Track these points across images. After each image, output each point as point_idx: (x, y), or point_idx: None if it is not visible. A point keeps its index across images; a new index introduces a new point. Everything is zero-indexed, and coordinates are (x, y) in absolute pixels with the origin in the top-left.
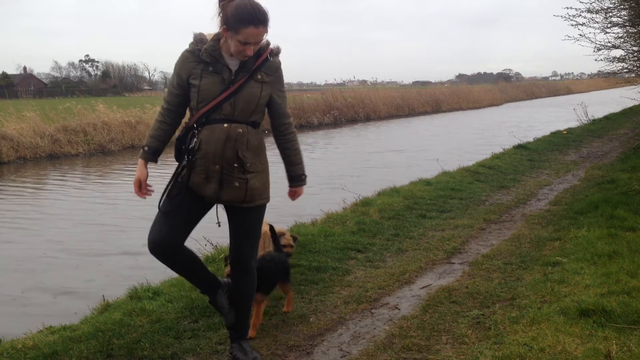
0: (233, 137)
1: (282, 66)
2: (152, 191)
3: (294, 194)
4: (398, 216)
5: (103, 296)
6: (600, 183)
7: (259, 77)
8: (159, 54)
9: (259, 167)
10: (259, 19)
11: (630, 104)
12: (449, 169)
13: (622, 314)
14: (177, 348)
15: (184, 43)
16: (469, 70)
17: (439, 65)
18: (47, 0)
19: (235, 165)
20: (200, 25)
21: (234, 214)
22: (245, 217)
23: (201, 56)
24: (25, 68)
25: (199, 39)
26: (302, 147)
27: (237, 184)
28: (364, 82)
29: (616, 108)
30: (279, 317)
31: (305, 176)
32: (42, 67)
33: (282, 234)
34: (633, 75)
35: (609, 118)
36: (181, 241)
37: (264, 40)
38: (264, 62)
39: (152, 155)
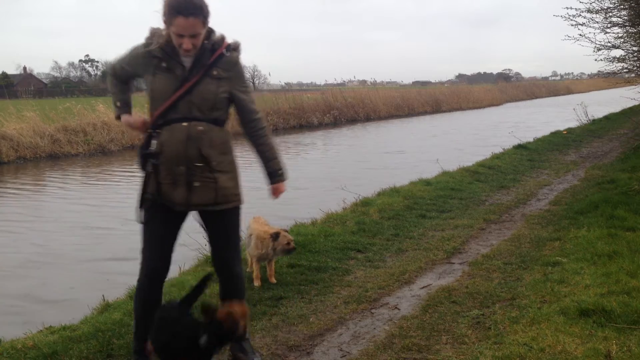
0: (194, 135)
1: (284, 66)
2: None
3: (275, 191)
4: (398, 216)
5: (103, 296)
6: (600, 183)
7: (215, 73)
8: None
9: (227, 167)
10: (188, 9)
11: (630, 104)
12: (449, 169)
13: (622, 314)
14: None
15: None
16: (469, 70)
17: (439, 65)
18: (47, 0)
19: (200, 164)
20: None
21: (210, 220)
22: (222, 221)
23: (154, 51)
24: (25, 68)
25: (153, 33)
26: (301, 147)
27: (204, 184)
28: (364, 82)
29: (616, 108)
30: (279, 317)
31: (283, 171)
32: (42, 67)
33: (278, 234)
34: (633, 75)
35: (609, 118)
36: (169, 265)
37: (218, 35)
38: (220, 57)
39: (127, 107)
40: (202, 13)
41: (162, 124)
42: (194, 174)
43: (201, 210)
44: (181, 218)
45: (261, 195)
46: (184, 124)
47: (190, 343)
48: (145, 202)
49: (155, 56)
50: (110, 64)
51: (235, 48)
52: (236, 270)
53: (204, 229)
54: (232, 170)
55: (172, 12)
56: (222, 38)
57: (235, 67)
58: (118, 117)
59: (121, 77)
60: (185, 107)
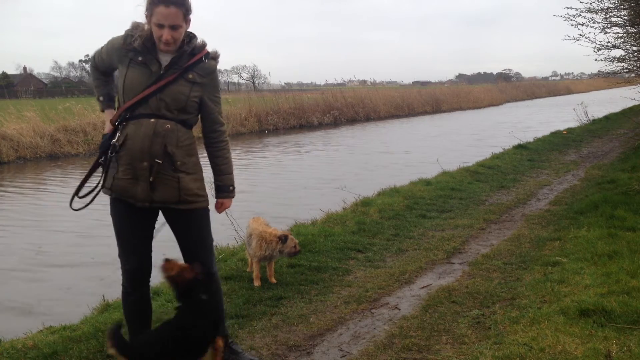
0: (161, 132)
1: (286, 66)
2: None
3: (220, 206)
4: (398, 216)
5: (103, 296)
6: (600, 183)
7: (190, 76)
8: None
9: (192, 168)
10: None
11: (630, 103)
12: (449, 169)
13: (622, 314)
14: None
15: None
16: (469, 70)
17: (438, 65)
18: (47, 0)
19: (161, 161)
20: (199, 25)
21: (176, 219)
22: (189, 221)
23: (132, 43)
24: (25, 68)
25: (135, 26)
26: (301, 147)
27: (166, 181)
28: (364, 82)
29: (616, 108)
30: (279, 317)
31: (234, 188)
32: (42, 67)
33: (286, 237)
34: (633, 75)
35: (609, 118)
36: (150, 266)
37: (199, 41)
38: (198, 62)
39: (111, 101)
40: (183, 4)
41: (129, 117)
42: (157, 171)
43: (166, 208)
44: (149, 216)
45: (262, 195)
46: (152, 120)
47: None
48: (99, 193)
49: (132, 49)
50: (91, 55)
51: (214, 57)
52: (212, 272)
53: (172, 230)
54: (196, 172)
55: (153, 1)
56: (203, 44)
57: (210, 75)
58: (102, 111)
59: (101, 69)
60: (155, 104)
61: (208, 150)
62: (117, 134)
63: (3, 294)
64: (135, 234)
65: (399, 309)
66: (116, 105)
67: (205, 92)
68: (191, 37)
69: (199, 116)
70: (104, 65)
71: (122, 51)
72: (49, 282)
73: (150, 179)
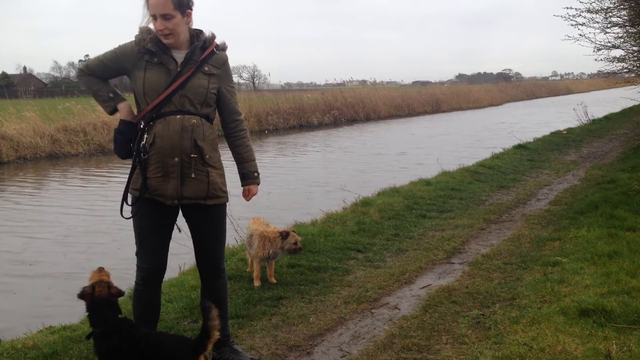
0: (188, 127)
1: (286, 66)
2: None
3: (247, 193)
4: (398, 216)
5: None
6: (600, 183)
7: (206, 69)
8: None
9: (217, 163)
10: None
11: (630, 103)
12: (449, 169)
13: (622, 314)
14: None
15: None
16: (469, 70)
17: (438, 65)
18: (47, 0)
19: (194, 155)
20: (199, 25)
21: (198, 215)
22: (212, 216)
23: (146, 46)
24: (25, 68)
25: (145, 30)
26: (301, 147)
27: (197, 176)
28: (364, 82)
29: (616, 108)
30: (279, 317)
31: (258, 174)
32: (42, 67)
33: (287, 233)
34: (633, 75)
35: (609, 118)
36: (165, 267)
37: (208, 34)
38: (211, 54)
39: (119, 95)
40: None
41: (155, 117)
42: (188, 166)
43: (191, 204)
44: (172, 215)
45: (262, 194)
46: (178, 116)
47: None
48: (132, 199)
49: (147, 51)
50: (83, 63)
51: (223, 48)
52: (222, 267)
53: (190, 227)
54: (220, 167)
55: None
56: (213, 37)
57: (224, 66)
58: (114, 110)
59: (100, 75)
60: (179, 101)
61: (229, 141)
62: (145, 136)
63: (3, 293)
64: (156, 234)
65: (399, 309)
66: (136, 109)
67: (221, 83)
68: (199, 32)
69: (217, 109)
70: (105, 72)
71: (136, 56)
72: (49, 281)
73: (192, 175)
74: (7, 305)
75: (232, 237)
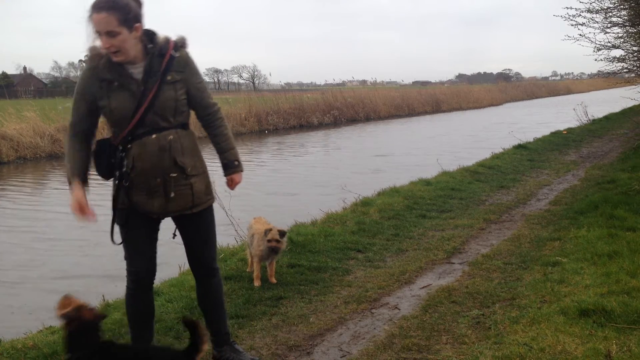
0: (166, 146)
1: (286, 66)
2: (95, 215)
3: (231, 182)
4: (398, 216)
5: (103, 296)
6: (600, 183)
7: (170, 78)
8: None
9: (200, 169)
10: (100, 3)
11: (630, 103)
12: (449, 169)
13: (622, 314)
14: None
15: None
16: (469, 70)
17: (438, 65)
18: (47, 0)
19: (174, 174)
20: (199, 24)
21: (186, 223)
22: (198, 223)
23: (101, 75)
24: (25, 68)
25: (94, 55)
26: (301, 147)
27: (181, 191)
28: (364, 82)
29: (616, 108)
30: (279, 317)
31: (239, 162)
32: (42, 67)
33: (270, 229)
34: (633, 75)
35: (609, 118)
36: (155, 269)
37: (161, 37)
38: (171, 60)
39: (83, 176)
40: (115, 8)
41: (131, 139)
42: (171, 184)
43: (177, 215)
44: (157, 222)
45: (262, 194)
46: (153, 136)
47: None
48: (120, 215)
49: (103, 79)
50: (69, 124)
51: (182, 45)
52: (215, 267)
53: (179, 233)
54: (203, 171)
55: (90, 10)
56: (167, 40)
57: (187, 65)
58: (70, 183)
59: (84, 132)
60: (152, 120)
61: (207, 132)
62: (125, 162)
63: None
64: (143, 237)
65: (399, 309)
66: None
67: (189, 84)
68: (150, 36)
69: (191, 106)
70: (87, 122)
71: (96, 83)
72: (49, 281)
73: (172, 195)
74: (9, 303)
75: (232, 237)
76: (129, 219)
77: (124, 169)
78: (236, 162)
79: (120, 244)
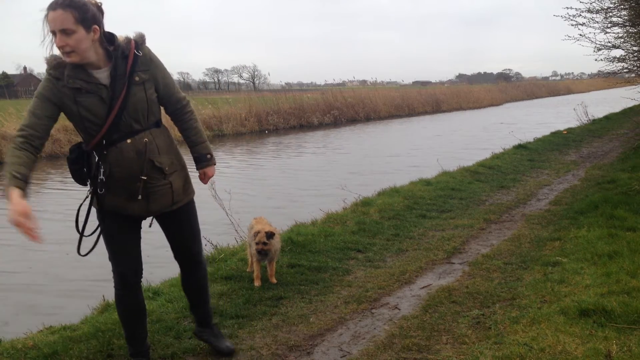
0: (142, 149)
1: (286, 66)
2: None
3: (204, 176)
4: (398, 216)
5: (103, 296)
6: (601, 183)
7: (137, 78)
8: (158, 53)
9: (177, 165)
10: (54, 2)
11: (630, 104)
12: (449, 169)
13: (622, 314)
14: (177, 348)
15: (183, 43)
16: (469, 70)
17: (438, 65)
18: (47, 0)
19: (155, 175)
20: (199, 25)
21: (168, 220)
22: (180, 218)
23: (67, 84)
24: (25, 68)
25: (54, 65)
26: (301, 147)
27: (161, 191)
28: (364, 82)
29: (616, 108)
30: (279, 317)
31: (212, 155)
32: (42, 67)
33: (258, 232)
34: (633, 75)
35: (609, 118)
36: (141, 268)
37: (122, 38)
38: (135, 60)
39: (25, 183)
40: (72, 6)
41: (105, 144)
42: (151, 185)
43: (159, 214)
44: (138, 221)
45: (262, 194)
46: (128, 140)
47: None
48: (98, 215)
49: (68, 86)
50: (18, 129)
51: (142, 42)
52: (201, 259)
53: (162, 230)
54: (182, 166)
55: (45, 12)
56: (128, 40)
57: (152, 62)
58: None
59: (36, 138)
60: (125, 124)
61: (177, 126)
62: (101, 169)
63: (5, 291)
64: (126, 237)
65: (399, 309)
66: (81, 138)
67: (157, 82)
68: (111, 37)
69: (160, 101)
70: (43, 126)
71: (62, 90)
72: (49, 281)
73: (139, 197)
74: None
75: (232, 237)
76: (110, 220)
77: (100, 176)
78: (208, 156)
79: (86, 255)
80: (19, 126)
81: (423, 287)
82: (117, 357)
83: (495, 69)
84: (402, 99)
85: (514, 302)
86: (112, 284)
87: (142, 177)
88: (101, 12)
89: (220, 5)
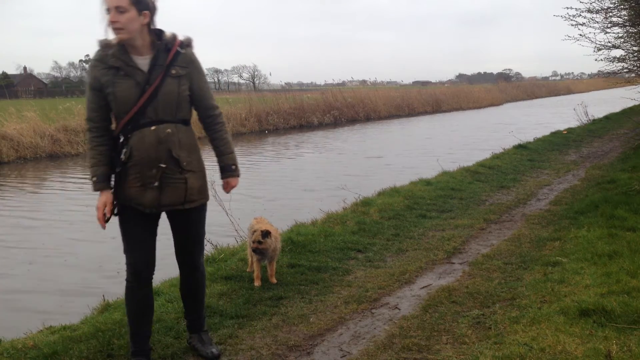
0: (163, 138)
1: (286, 66)
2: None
3: (227, 186)
4: (398, 216)
5: (103, 296)
6: (601, 183)
7: (174, 72)
8: None
9: (196, 166)
10: None
11: (630, 103)
12: (449, 169)
13: (622, 314)
14: (177, 348)
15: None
16: (469, 70)
17: (438, 65)
18: (47, 0)
19: (171, 166)
20: (200, 25)
21: (177, 219)
22: (189, 220)
23: (109, 62)
24: (25, 68)
25: (104, 45)
26: (301, 147)
27: (175, 184)
28: (364, 82)
29: (616, 108)
30: (279, 317)
31: (237, 167)
32: (42, 67)
33: (254, 231)
34: (633, 75)
35: (609, 118)
36: (154, 263)
37: (169, 34)
38: (176, 55)
39: (106, 183)
40: None
41: (130, 128)
42: (165, 176)
43: (170, 210)
44: (154, 218)
45: (262, 194)
46: (152, 127)
47: None
48: (118, 207)
49: (111, 67)
50: (86, 117)
51: (188, 44)
52: (199, 263)
53: (171, 228)
54: (200, 169)
55: None
56: (174, 36)
57: (192, 64)
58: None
59: (102, 120)
60: (153, 111)
61: (207, 134)
62: (123, 149)
63: (5, 291)
64: (141, 231)
65: (399, 309)
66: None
67: (192, 82)
68: (160, 32)
69: (193, 107)
70: (101, 102)
71: (103, 72)
72: (49, 281)
73: (155, 184)
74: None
75: (232, 237)
76: (127, 212)
77: (121, 156)
78: (233, 167)
79: (115, 214)
80: (85, 117)
81: (423, 287)
82: (117, 357)
83: (495, 69)
84: (402, 99)
85: (514, 302)
86: (112, 284)
87: (161, 165)
88: (155, 7)
89: (221, 6)
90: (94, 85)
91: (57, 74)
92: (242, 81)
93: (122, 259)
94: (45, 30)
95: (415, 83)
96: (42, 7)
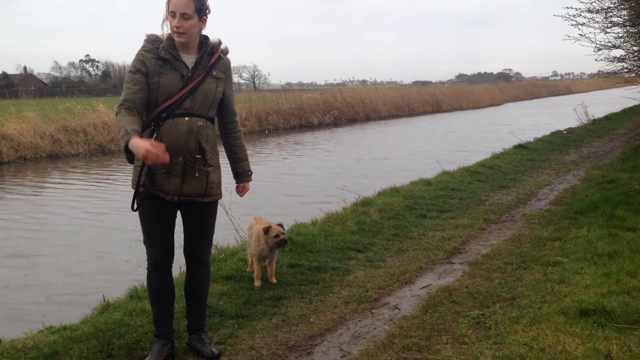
0: (195, 129)
1: (286, 66)
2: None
3: (242, 190)
4: (398, 216)
5: (103, 296)
6: (601, 183)
7: (215, 73)
8: None
9: (216, 163)
10: None
11: (630, 103)
12: (449, 169)
13: (622, 314)
14: (177, 348)
15: None
16: (469, 70)
17: (438, 65)
18: (48, 0)
19: (198, 156)
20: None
21: (192, 212)
22: (204, 214)
23: (160, 54)
24: (25, 68)
25: (153, 39)
26: (301, 147)
27: (198, 175)
28: (364, 82)
29: (616, 108)
30: (279, 317)
31: (251, 172)
32: (42, 67)
33: (269, 227)
34: (633, 75)
35: (609, 118)
36: (173, 253)
37: (215, 40)
38: (218, 59)
39: (138, 135)
40: None
41: (165, 117)
42: (190, 166)
43: (189, 201)
44: (173, 208)
45: (262, 194)
46: (186, 118)
47: None
48: (139, 194)
49: (161, 59)
50: (120, 101)
51: (227, 52)
52: (206, 259)
53: (183, 222)
54: (219, 166)
55: None
56: (219, 42)
57: (228, 70)
58: (126, 147)
59: (136, 108)
60: (189, 104)
61: (226, 141)
62: (154, 135)
63: (5, 291)
64: (161, 222)
65: (399, 309)
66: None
67: (226, 86)
68: (206, 38)
69: (219, 109)
70: (139, 97)
71: (152, 61)
72: (50, 281)
73: (193, 175)
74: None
75: (232, 237)
76: (148, 204)
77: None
78: (249, 172)
79: (136, 210)
80: (120, 99)
81: (423, 287)
82: (117, 357)
83: (495, 69)
84: (402, 99)
85: (514, 302)
86: (112, 284)
87: (194, 156)
88: (210, 13)
89: (221, 6)
90: (141, 69)
91: (57, 74)
92: (242, 81)
93: (122, 259)
94: (46, 30)
95: (415, 83)
96: (42, 7)
